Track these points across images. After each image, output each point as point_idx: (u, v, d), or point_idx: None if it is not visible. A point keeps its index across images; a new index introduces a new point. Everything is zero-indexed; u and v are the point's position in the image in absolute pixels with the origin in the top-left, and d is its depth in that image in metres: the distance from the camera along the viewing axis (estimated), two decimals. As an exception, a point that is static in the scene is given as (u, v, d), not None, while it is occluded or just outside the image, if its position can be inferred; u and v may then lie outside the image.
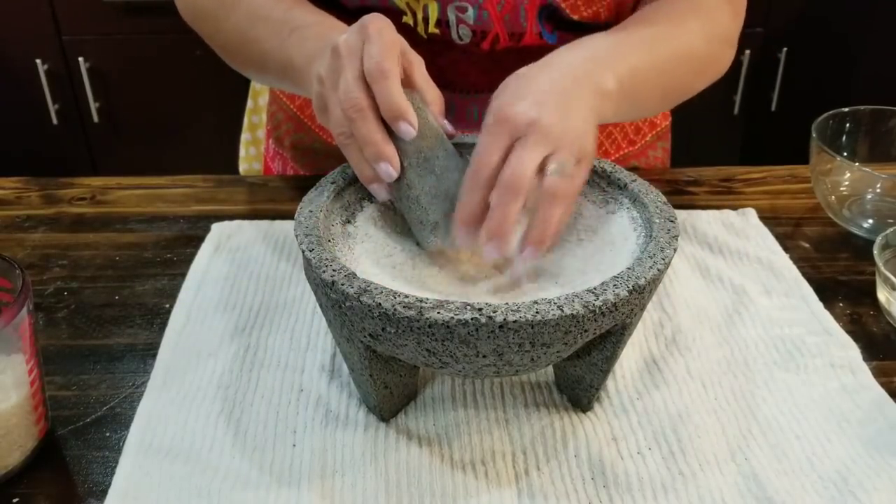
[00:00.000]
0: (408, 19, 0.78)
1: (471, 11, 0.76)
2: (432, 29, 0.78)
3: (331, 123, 0.60)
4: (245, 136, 1.13)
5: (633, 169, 0.61)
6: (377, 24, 0.58)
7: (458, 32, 0.78)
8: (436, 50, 0.79)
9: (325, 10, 0.74)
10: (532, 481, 0.56)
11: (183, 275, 0.74)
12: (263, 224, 0.81)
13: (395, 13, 0.77)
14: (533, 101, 0.56)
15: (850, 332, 0.68)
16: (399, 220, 0.64)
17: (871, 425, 0.60)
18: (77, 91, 2.00)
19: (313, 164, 0.94)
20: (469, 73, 0.81)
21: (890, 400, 0.62)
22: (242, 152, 1.14)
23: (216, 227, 0.80)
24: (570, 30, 0.78)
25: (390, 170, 0.58)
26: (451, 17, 0.77)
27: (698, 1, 0.76)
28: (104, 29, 1.94)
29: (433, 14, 0.77)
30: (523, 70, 0.61)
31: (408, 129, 0.57)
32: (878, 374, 0.64)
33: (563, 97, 0.58)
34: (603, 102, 0.61)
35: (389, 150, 0.58)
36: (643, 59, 0.67)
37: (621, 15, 0.79)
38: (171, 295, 0.72)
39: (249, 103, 1.11)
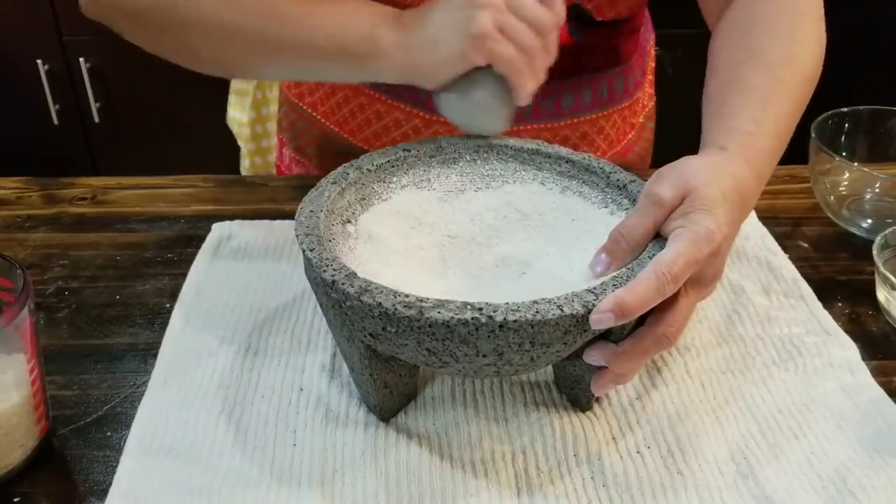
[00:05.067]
0: None
1: None
2: None
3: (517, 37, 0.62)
4: (248, 147, 1.11)
5: (627, 168, 0.62)
6: None
7: None
8: None
9: None
10: (531, 480, 0.56)
11: (183, 275, 0.74)
12: (264, 224, 0.81)
13: None
14: (723, 250, 0.56)
15: (848, 332, 0.68)
16: (399, 220, 0.64)
17: (869, 425, 0.60)
18: (78, 91, 2.00)
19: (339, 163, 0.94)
20: None
21: (889, 400, 0.62)
22: (247, 163, 1.12)
23: (217, 227, 0.80)
24: (594, 26, 0.81)
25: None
26: None
27: None
28: (105, 29, 1.93)
29: None
30: (719, 185, 0.56)
31: None
32: (877, 373, 0.64)
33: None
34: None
35: None
36: (783, 123, 0.65)
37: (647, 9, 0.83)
38: (172, 295, 0.72)
39: (252, 113, 1.09)
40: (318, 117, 0.92)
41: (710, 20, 0.79)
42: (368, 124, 0.88)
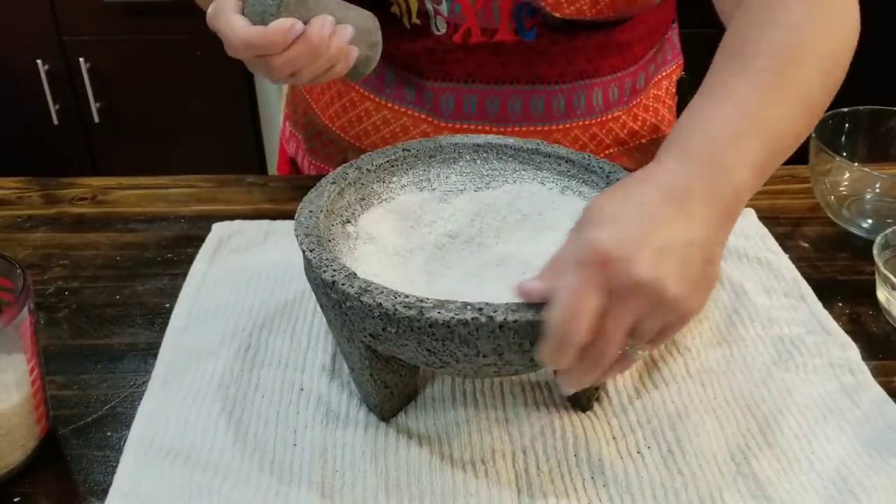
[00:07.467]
0: (395, 9, 0.81)
1: (445, 4, 0.79)
2: (414, 20, 0.81)
3: None
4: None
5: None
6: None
7: (435, 24, 0.81)
8: (416, 39, 0.82)
9: None
10: (532, 480, 0.56)
11: (183, 275, 0.74)
12: (263, 224, 0.81)
13: (384, 3, 0.81)
14: (651, 249, 0.44)
15: (849, 332, 0.68)
16: (399, 220, 0.64)
17: (870, 425, 0.60)
18: (78, 91, 2.00)
19: (320, 147, 0.96)
20: (444, 62, 0.83)
21: (889, 399, 0.62)
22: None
23: (216, 227, 0.80)
24: (553, 28, 0.80)
25: None
26: (429, 8, 0.80)
27: None
28: (105, 29, 1.94)
29: (413, 6, 0.80)
30: (625, 181, 0.49)
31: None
32: (878, 373, 0.64)
33: (683, 238, 0.45)
34: (737, 203, 0.49)
35: None
36: (778, 108, 0.53)
37: (618, 10, 0.78)
38: (172, 295, 0.72)
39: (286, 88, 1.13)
40: (304, 93, 0.95)
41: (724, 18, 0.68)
42: (376, 130, 0.89)
